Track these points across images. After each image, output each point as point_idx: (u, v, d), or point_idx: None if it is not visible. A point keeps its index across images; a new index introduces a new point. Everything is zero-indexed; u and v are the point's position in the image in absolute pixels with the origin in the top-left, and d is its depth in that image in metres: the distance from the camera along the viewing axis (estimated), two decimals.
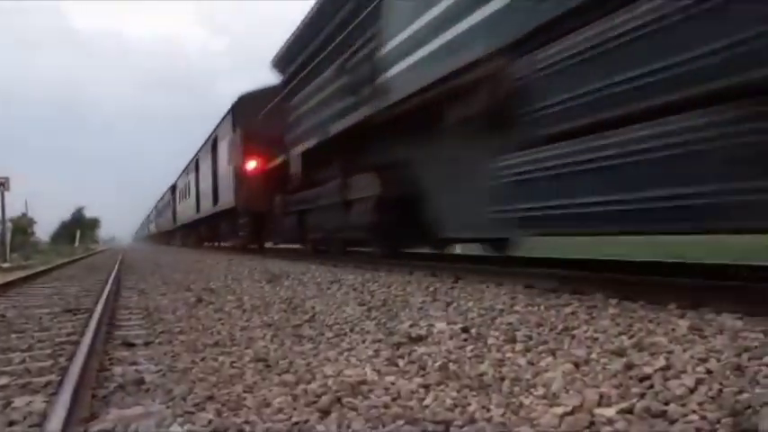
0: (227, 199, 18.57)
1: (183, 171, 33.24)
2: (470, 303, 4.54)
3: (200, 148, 25.84)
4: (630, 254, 5.91)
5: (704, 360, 2.47)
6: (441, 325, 3.83)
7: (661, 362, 2.51)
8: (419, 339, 3.56)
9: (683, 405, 2.08)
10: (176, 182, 37.73)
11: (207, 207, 23.40)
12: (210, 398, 2.70)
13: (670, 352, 2.65)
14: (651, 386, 2.30)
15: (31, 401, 2.84)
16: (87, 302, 6.86)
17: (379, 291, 5.91)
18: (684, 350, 2.64)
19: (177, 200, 36.73)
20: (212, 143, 22.47)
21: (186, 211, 31.28)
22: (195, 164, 27.40)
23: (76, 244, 46.91)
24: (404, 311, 4.57)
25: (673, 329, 3.04)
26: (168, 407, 2.64)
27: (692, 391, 2.19)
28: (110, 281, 9.32)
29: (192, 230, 31.76)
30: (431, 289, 5.57)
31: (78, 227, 62.56)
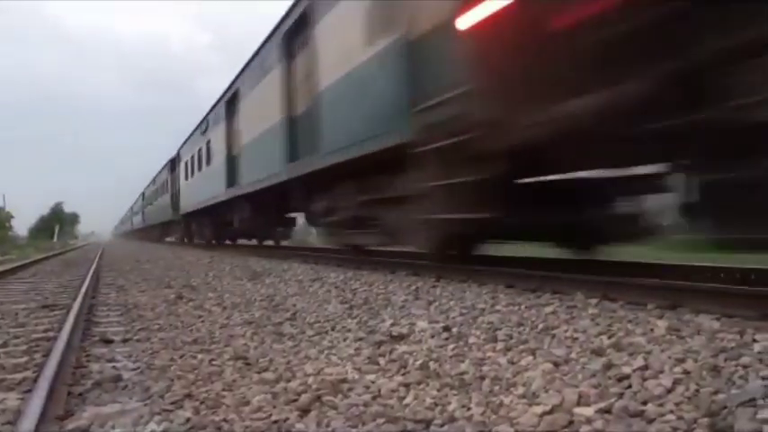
0: (383, 128, 6.50)
1: (197, 129, 20.30)
2: (452, 302, 4.54)
3: (249, 64, 12.89)
4: (610, 254, 5.94)
5: (682, 360, 2.49)
6: (422, 324, 3.84)
7: (639, 362, 2.52)
8: (400, 338, 3.56)
9: (661, 405, 2.10)
10: (179, 152, 25.26)
11: (266, 170, 11.31)
12: (189, 396, 2.68)
13: (648, 352, 2.67)
14: (629, 386, 2.32)
15: (4, 398, 2.80)
16: (65, 298, 6.78)
17: (361, 289, 5.90)
18: (662, 350, 2.66)
19: (181, 177, 24.39)
20: (297, 24, 9.64)
21: (200, 190, 19.31)
22: (227, 106, 15.09)
23: (55, 239, 46.35)
24: (385, 310, 4.57)
25: (651, 330, 3.07)
26: (146, 404, 2.62)
27: (669, 391, 2.21)
28: (88, 277, 9.22)
29: (211, 220, 19.58)
30: (413, 288, 5.57)
31: (57, 222, 61.88)
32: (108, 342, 4.06)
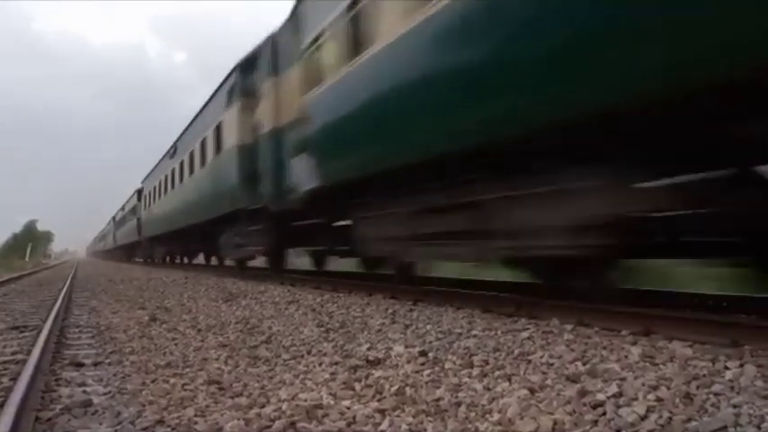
0: None
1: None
2: (429, 326, 4.54)
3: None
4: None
5: (655, 388, 2.51)
6: (399, 348, 3.82)
7: (613, 389, 2.54)
8: (377, 363, 3.54)
9: None
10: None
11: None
12: (160, 422, 2.63)
13: (622, 379, 2.68)
14: (604, 413, 2.33)
15: None
16: (35, 319, 6.64)
17: (337, 312, 5.87)
18: (636, 377, 2.68)
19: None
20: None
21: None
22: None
23: (27, 258, 45.57)
24: (362, 333, 4.54)
25: (625, 356, 3.09)
26: (116, 430, 2.56)
27: (642, 418, 2.22)
28: (60, 297, 9.06)
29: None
30: (390, 311, 5.56)
31: (30, 240, 60.91)
32: (79, 365, 3.98)
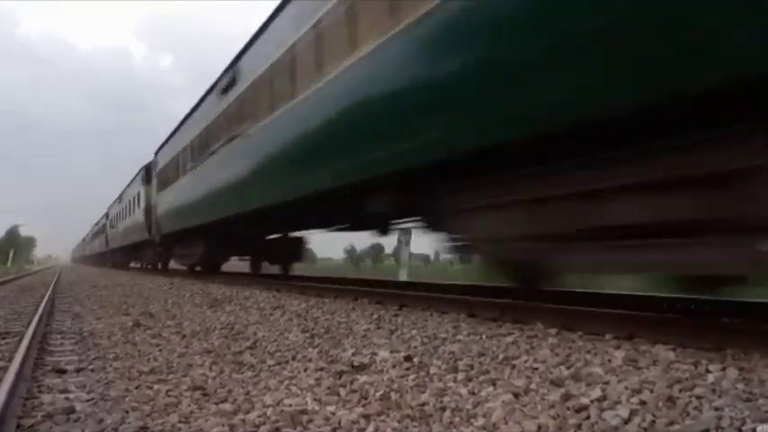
0: None
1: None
2: (414, 331, 4.54)
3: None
4: (569, 284, 6.03)
5: (638, 391, 2.53)
6: (384, 353, 3.82)
7: (597, 392, 2.55)
8: (362, 368, 3.54)
9: None
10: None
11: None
12: (144, 428, 2.61)
13: (606, 383, 2.70)
14: (588, 417, 2.34)
15: None
16: (18, 326, 6.56)
17: (323, 317, 5.86)
18: (619, 381, 2.70)
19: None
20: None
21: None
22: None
23: (9, 264, 45.06)
24: (347, 339, 4.54)
25: (609, 360, 3.11)
26: None
27: (626, 422, 2.24)
28: (43, 303, 8.96)
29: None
30: (375, 316, 5.56)
31: (12, 246, 60.23)
32: (61, 372, 3.94)
